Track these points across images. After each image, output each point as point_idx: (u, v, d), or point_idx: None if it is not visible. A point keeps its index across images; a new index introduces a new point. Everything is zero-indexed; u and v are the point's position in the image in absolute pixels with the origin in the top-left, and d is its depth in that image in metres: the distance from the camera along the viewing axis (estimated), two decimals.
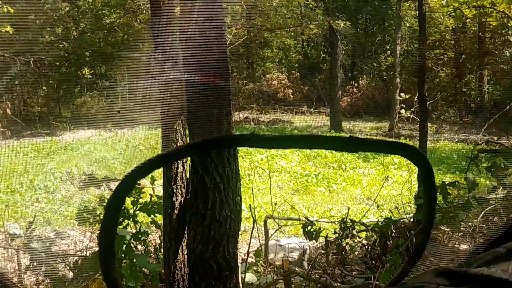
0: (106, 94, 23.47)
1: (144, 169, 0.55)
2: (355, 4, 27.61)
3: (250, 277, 5.90)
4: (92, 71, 22.99)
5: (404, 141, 18.25)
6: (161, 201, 4.43)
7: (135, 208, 5.38)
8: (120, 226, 5.29)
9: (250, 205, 6.25)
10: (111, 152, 15.74)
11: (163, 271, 4.52)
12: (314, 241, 6.64)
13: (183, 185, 4.05)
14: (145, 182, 8.12)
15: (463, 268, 0.47)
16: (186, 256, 3.86)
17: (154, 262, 5.92)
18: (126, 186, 0.54)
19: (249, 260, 6.44)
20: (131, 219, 5.36)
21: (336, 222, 7.03)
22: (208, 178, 3.41)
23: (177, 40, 3.79)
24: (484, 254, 0.49)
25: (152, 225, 5.74)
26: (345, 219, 6.53)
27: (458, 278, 0.45)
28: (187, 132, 3.91)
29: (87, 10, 23.73)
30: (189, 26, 3.28)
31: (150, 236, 6.13)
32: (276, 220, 7.36)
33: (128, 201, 5.55)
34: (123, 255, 4.37)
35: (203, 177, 3.42)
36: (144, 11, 19.86)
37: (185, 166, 4.07)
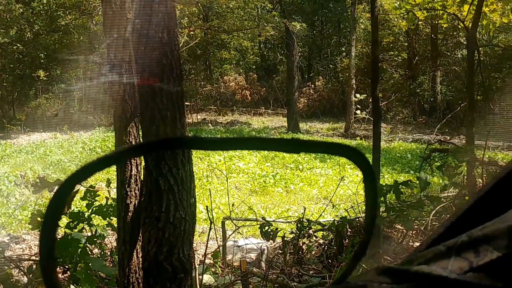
0: (61, 96, 23.05)
1: (85, 171, 0.55)
2: (311, 7, 27.83)
3: (208, 278, 5.90)
4: (47, 73, 22.54)
5: (359, 142, 18.52)
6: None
7: (90, 211, 5.32)
8: (75, 230, 5.23)
9: (207, 206, 6.23)
10: (67, 155, 15.49)
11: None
12: (271, 241, 6.69)
13: (137, 187, 4.02)
14: (101, 184, 8.04)
15: (405, 266, 0.49)
16: (140, 259, 3.83)
17: (111, 265, 5.87)
18: (67, 188, 0.55)
19: (207, 261, 6.43)
20: (85, 222, 5.31)
21: (293, 222, 7.07)
22: (162, 180, 3.39)
23: (128, 42, 3.76)
24: (425, 252, 0.50)
25: (108, 228, 5.68)
26: (301, 219, 6.59)
27: (400, 275, 0.47)
28: (141, 134, 3.89)
29: (41, 12, 23.26)
30: (141, 27, 3.26)
31: (106, 239, 6.07)
32: (234, 221, 7.37)
33: (83, 204, 5.50)
34: (78, 258, 4.31)
35: (157, 179, 3.40)
36: (100, 13, 19.59)
37: (139, 169, 4.05)
